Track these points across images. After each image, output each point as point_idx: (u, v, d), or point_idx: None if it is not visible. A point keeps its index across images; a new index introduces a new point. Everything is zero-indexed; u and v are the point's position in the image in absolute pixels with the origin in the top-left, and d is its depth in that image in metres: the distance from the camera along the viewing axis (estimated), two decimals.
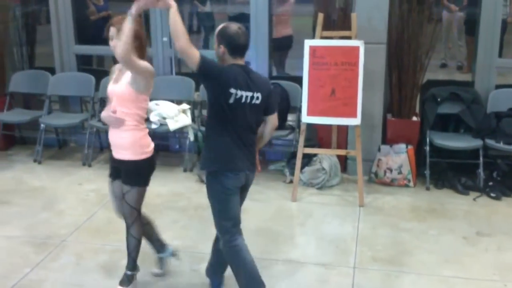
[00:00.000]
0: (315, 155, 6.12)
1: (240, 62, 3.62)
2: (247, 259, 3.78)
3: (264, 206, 5.61)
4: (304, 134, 5.77)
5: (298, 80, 6.05)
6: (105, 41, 3.86)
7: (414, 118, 6.19)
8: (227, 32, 3.56)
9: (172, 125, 6.36)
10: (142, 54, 3.75)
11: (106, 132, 4.03)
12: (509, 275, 4.35)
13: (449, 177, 5.99)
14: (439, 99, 6.10)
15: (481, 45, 6.15)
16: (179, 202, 5.74)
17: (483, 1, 6.03)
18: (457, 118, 6.16)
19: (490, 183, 5.84)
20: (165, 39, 6.80)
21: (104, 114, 3.87)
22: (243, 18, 7.08)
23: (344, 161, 6.33)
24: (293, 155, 6.06)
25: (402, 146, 6.00)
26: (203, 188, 3.84)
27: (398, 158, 5.98)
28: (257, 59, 6.65)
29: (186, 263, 4.51)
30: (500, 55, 6.22)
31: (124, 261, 4.11)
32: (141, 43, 3.76)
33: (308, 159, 6.08)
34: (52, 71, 7.14)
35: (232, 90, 3.51)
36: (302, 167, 5.95)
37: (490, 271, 4.42)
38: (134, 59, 3.58)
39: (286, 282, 4.31)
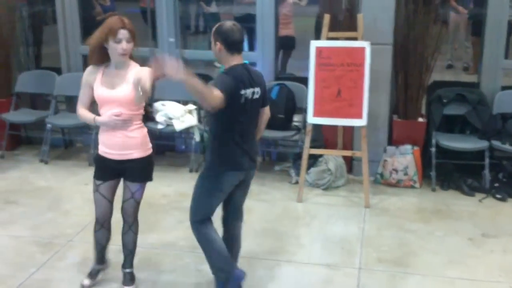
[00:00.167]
0: (320, 156, 6.12)
1: (238, 59, 3.69)
2: (216, 240, 3.89)
3: (270, 207, 5.62)
4: (310, 135, 5.77)
5: (304, 81, 6.05)
6: None
7: (420, 119, 6.19)
8: (222, 29, 3.65)
9: (178, 126, 6.37)
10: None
11: None
12: None
13: (455, 178, 5.98)
14: (445, 100, 6.09)
15: (487, 46, 6.14)
16: (184, 202, 5.68)
17: (490, 2, 6.02)
18: (463, 119, 6.15)
19: (496, 185, 5.83)
20: (171, 39, 6.81)
21: (106, 119, 3.80)
22: (249, 19, 7.09)
23: (349, 162, 6.33)
24: (299, 156, 6.06)
25: (408, 147, 5.99)
26: None
27: (404, 159, 5.97)
28: (263, 59, 6.66)
29: (192, 263, 4.53)
30: (506, 57, 6.20)
31: None
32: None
33: (314, 160, 6.08)
34: (58, 71, 7.16)
35: (242, 92, 3.61)
36: (308, 168, 5.95)
37: (495, 272, 4.41)
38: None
39: (291, 282, 4.31)
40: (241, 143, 3.73)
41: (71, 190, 6.05)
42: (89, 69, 3.88)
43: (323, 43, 5.70)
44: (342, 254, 4.73)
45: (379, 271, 4.46)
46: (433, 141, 5.98)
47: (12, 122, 7.08)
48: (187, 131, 6.61)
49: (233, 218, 4.01)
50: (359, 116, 5.61)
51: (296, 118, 6.57)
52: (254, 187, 5.69)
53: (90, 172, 6.50)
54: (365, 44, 5.56)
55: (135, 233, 4.09)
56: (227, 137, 3.70)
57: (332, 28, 5.81)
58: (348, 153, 6.07)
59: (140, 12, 7.82)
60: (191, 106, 6.57)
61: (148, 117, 6.64)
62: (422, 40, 5.94)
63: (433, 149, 5.98)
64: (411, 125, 6.17)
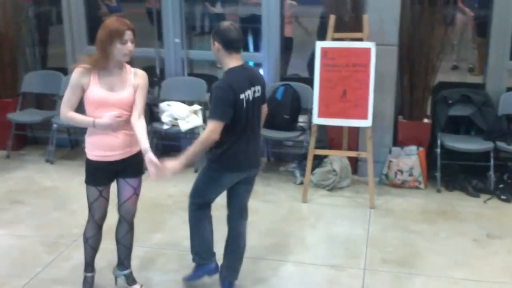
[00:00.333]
0: (325, 156, 6.12)
1: (237, 58, 3.72)
2: (206, 228, 3.98)
3: (275, 207, 5.63)
4: (315, 136, 5.77)
5: (309, 82, 6.06)
6: None
7: (425, 120, 6.18)
8: (219, 28, 3.72)
9: (184, 126, 6.38)
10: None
11: None
12: None
13: (460, 179, 5.98)
14: (450, 101, 6.09)
15: (492, 47, 6.13)
16: None
17: (495, 3, 6.02)
18: (468, 121, 6.14)
19: (501, 186, 5.83)
20: (177, 40, 6.82)
21: (108, 120, 3.71)
22: (254, 19, 7.09)
23: (354, 163, 6.33)
24: (304, 157, 6.07)
25: (413, 148, 6.00)
26: None
27: (409, 160, 5.97)
28: (269, 60, 6.67)
29: None
30: (511, 58, 6.20)
31: (134, 261, 4.13)
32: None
33: (318, 161, 6.09)
34: (64, 71, 7.16)
35: (242, 96, 3.65)
36: (313, 169, 5.96)
37: (500, 273, 4.41)
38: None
39: (296, 283, 4.32)
40: (244, 144, 3.75)
41: (77, 190, 6.02)
42: (81, 70, 3.71)
43: (328, 44, 5.70)
44: (346, 254, 4.74)
45: (384, 272, 4.46)
46: (438, 142, 5.98)
47: (18, 122, 7.10)
48: (193, 132, 6.61)
49: (238, 217, 4.01)
50: (364, 117, 5.61)
51: (301, 119, 6.56)
52: (259, 188, 5.73)
53: None
54: (371, 45, 5.56)
55: (133, 231, 4.08)
56: (231, 138, 3.71)
57: (337, 29, 5.82)
58: (353, 153, 6.07)
59: (146, 13, 7.83)
60: (197, 107, 6.58)
61: (153, 117, 6.68)
62: (427, 41, 5.94)
63: (438, 150, 5.98)
64: (416, 126, 6.17)
